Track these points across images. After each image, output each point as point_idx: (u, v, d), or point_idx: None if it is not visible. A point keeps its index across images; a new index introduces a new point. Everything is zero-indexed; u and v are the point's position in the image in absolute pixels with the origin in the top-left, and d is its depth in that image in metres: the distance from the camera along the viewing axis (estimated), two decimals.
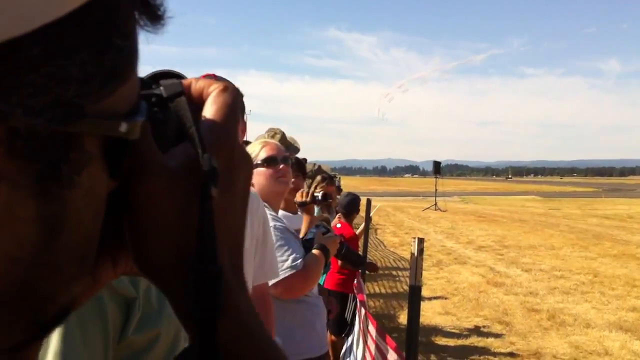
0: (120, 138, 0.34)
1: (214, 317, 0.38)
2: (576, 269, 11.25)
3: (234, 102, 0.42)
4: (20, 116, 0.27)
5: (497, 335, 6.90)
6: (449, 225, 20.80)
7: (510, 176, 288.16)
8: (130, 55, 0.34)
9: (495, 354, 6.26)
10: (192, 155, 0.38)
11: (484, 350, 6.38)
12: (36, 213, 0.30)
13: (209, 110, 0.41)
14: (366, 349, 4.34)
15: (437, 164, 32.72)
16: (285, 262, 2.41)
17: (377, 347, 3.78)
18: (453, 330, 7.11)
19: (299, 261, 2.45)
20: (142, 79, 0.41)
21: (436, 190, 30.99)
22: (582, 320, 7.56)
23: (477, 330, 7.10)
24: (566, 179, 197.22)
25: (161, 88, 0.41)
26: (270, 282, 2.34)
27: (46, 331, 0.36)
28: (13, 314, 0.33)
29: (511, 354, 6.26)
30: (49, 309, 0.35)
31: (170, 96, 0.40)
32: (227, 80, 0.45)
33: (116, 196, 0.38)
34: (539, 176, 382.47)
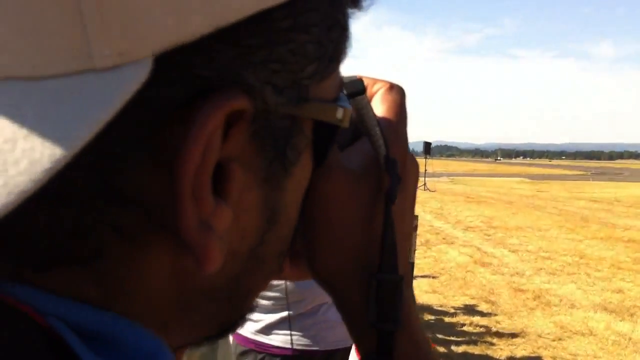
0: (331, 126, 0.30)
1: (392, 331, 0.35)
2: (563, 251, 11.34)
3: (403, 101, 0.40)
4: (270, 94, 0.25)
5: (483, 314, 6.95)
6: (438, 205, 20.87)
7: (499, 158, 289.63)
8: (348, 35, 0.30)
9: (481, 333, 6.30)
10: (370, 156, 0.36)
11: (470, 328, 6.43)
12: (259, 203, 0.28)
13: (379, 110, 0.39)
14: None
15: (427, 145, 32.75)
16: None
17: None
18: (440, 309, 7.15)
19: None
20: None
21: (426, 170, 31.01)
22: (568, 301, 7.63)
23: (463, 309, 7.14)
24: (555, 162, 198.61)
25: None
26: None
27: (228, 331, 0.33)
28: (217, 308, 0.30)
29: (497, 333, 6.31)
30: (244, 307, 0.32)
31: (351, 93, 0.38)
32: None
33: None
34: (528, 158, 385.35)
